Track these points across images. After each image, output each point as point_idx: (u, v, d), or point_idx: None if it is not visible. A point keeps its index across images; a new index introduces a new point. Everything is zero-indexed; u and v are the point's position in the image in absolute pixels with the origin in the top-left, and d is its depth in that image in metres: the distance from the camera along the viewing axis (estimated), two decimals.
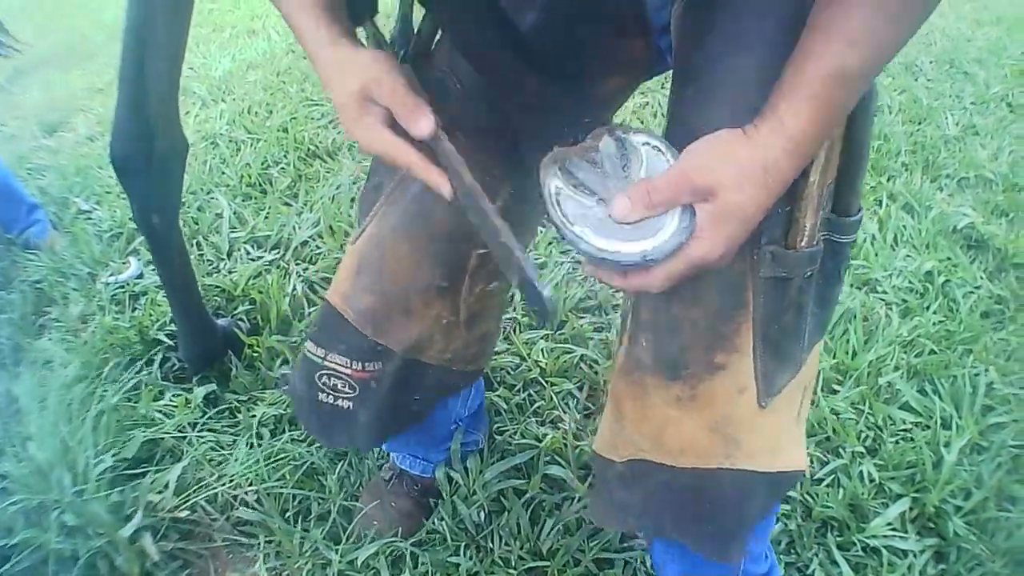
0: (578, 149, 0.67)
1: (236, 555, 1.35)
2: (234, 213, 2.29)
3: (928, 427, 1.53)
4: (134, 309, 1.89)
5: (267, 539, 1.34)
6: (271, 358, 1.71)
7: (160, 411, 1.57)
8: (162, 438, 1.52)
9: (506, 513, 1.35)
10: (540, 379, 1.66)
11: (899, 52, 0.61)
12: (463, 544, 1.31)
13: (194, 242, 2.14)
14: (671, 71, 0.78)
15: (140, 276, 2.02)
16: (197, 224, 2.24)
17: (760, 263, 0.69)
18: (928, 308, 1.87)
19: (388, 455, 1.41)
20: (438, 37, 0.89)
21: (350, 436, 0.98)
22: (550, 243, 2.11)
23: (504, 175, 0.87)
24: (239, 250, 2.13)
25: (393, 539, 1.31)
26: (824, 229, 0.72)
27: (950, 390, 1.61)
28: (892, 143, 2.72)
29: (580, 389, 1.65)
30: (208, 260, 2.09)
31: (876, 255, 2.07)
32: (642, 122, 2.87)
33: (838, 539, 1.33)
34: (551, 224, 0.66)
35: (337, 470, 1.44)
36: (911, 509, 1.37)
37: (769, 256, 0.69)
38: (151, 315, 1.82)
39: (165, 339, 1.75)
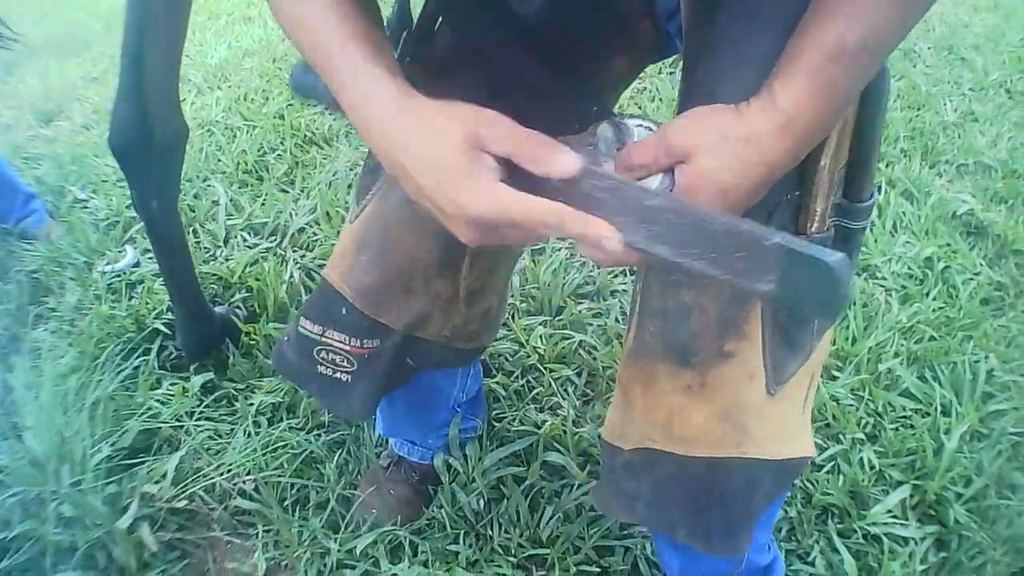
0: (579, 138, 0.67)
1: (234, 545, 1.35)
2: (230, 200, 2.28)
3: (928, 414, 1.53)
4: (131, 298, 1.88)
5: (265, 528, 1.34)
6: (268, 346, 1.70)
7: (157, 400, 1.56)
8: (159, 427, 1.51)
9: (505, 500, 1.35)
10: (539, 365, 1.65)
11: (906, 33, 0.59)
12: (462, 532, 1.31)
13: (191, 230, 2.12)
14: (677, 56, 0.77)
15: (137, 264, 2.01)
16: (193, 212, 2.22)
17: None
18: (928, 294, 1.87)
19: (386, 441, 1.41)
20: (438, 23, 0.87)
21: (348, 405, 0.98)
22: None
23: None
24: (236, 237, 2.12)
25: (392, 527, 1.31)
26: (835, 215, 0.71)
27: (950, 377, 1.61)
28: (891, 129, 2.71)
29: (579, 375, 1.65)
30: (205, 247, 2.08)
31: (875, 241, 2.06)
32: (639, 107, 2.85)
33: (839, 526, 1.33)
34: None
35: (335, 458, 1.44)
36: (911, 496, 1.37)
37: None
38: (148, 303, 1.80)
39: (162, 327, 1.73)
